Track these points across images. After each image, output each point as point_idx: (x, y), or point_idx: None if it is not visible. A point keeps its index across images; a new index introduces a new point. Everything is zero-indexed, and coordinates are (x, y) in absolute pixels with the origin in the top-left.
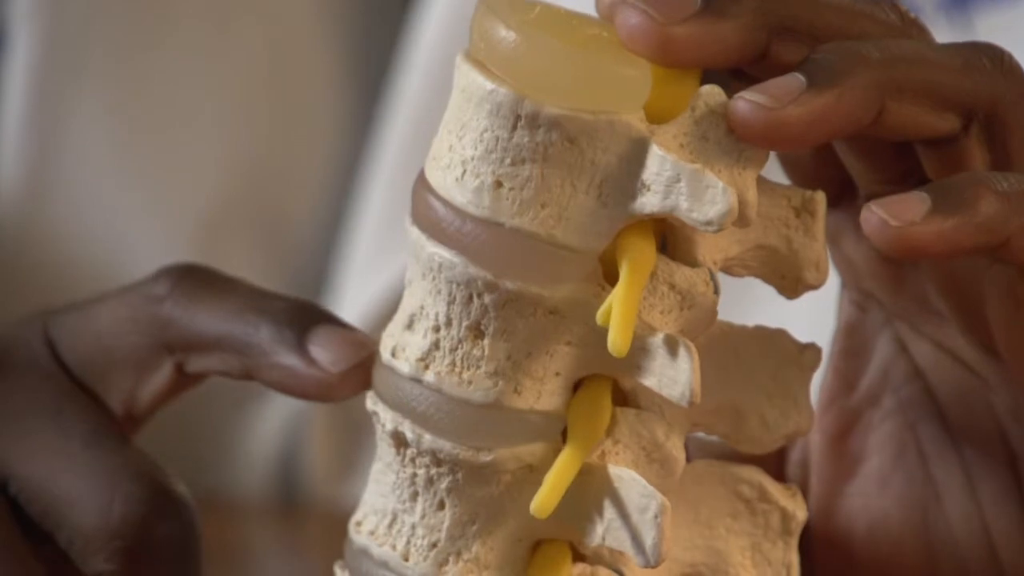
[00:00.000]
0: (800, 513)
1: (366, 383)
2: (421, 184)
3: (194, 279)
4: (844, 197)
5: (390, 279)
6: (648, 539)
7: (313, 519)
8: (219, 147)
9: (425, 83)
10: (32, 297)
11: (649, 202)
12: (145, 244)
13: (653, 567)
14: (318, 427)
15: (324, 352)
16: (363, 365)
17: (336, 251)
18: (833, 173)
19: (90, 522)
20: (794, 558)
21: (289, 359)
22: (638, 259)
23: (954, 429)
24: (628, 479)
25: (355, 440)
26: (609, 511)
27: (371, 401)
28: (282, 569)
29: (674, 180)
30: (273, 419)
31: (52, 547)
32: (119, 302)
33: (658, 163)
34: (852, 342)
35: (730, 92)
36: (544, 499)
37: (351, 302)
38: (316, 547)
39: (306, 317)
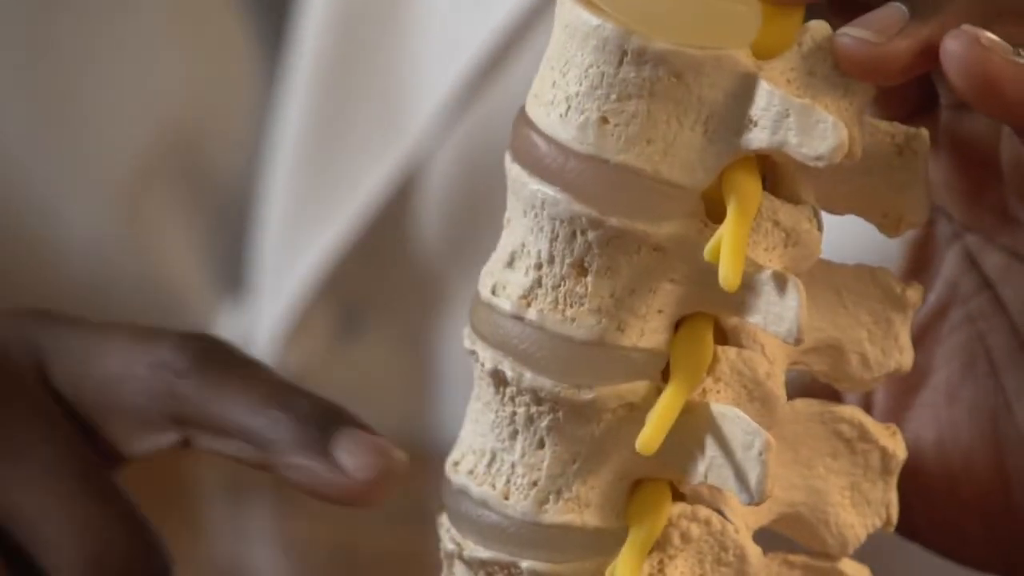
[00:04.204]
0: (900, 452)
1: (391, 492)
2: (522, 121)
3: (216, 359)
4: (920, 112)
5: (307, 270)
6: (753, 476)
7: None
8: (135, 106)
9: (323, 40)
10: None
11: (757, 138)
12: (69, 204)
13: (757, 504)
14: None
15: (349, 457)
16: (389, 473)
17: (257, 217)
18: (910, 89)
19: (72, 574)
20: (893, 497)
21: (312, 460)
22: (745, 194)
23: None
24: (732, 416)
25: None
26: (712, 449)
27: (469, 340)
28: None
29: (783, 115)
30: None
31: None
32: (133, 358)
33: (767, 98)
34: (920, 256)
35: (833, 25)
36: (649, 436)
37: (272, 278)
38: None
39: (330, 418)
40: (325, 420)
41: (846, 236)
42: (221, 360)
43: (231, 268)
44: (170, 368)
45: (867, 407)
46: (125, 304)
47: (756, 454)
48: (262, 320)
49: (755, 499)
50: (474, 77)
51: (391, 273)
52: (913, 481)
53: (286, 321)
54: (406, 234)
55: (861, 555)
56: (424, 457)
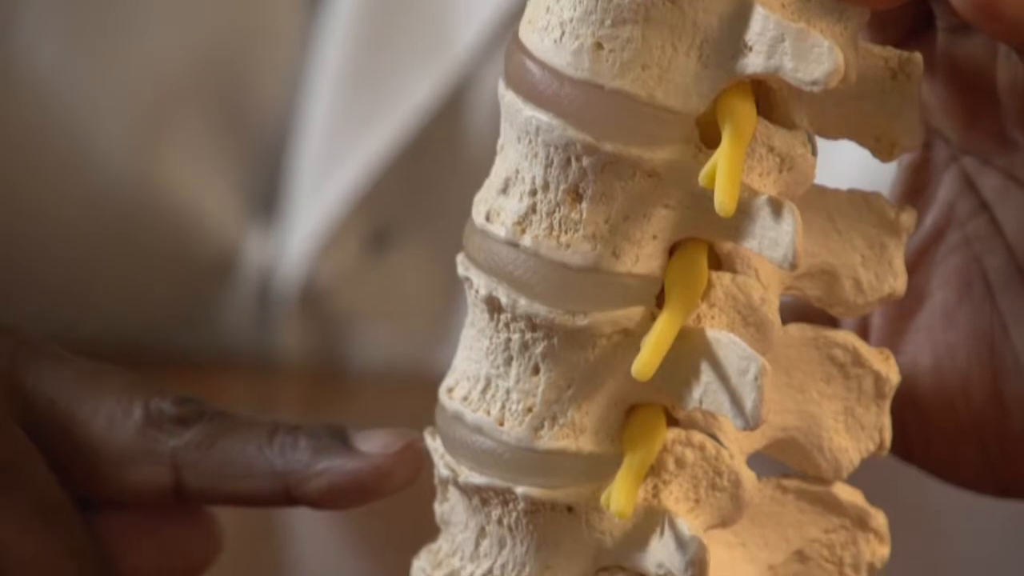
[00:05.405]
0: (893, 377)
1: (419, 468)
2: (516, 47)
3: (214, 410)
4: (914, 36)
5: (344, 185)
6: (748, 401)
7: (290, 380)
8: (172, 29)
9: None
10: None
11: (752, 62)
12: (99, 125)
13: (752, 429)
14: (290, 308)
15: (371, 443)
16: (413, 448)
17: (294, 135)
18: (905, 12)
19: None
20: (886, 422)
21: (337, 460)
22: (740, 120)
23: (1022, 260)
24: (727, 342)
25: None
26: (707, 374)
27: (463, 267)
28: None
29: (778, 40)
30: (246, 295)
31: None
32: (131, 403)
33: (761, 23)
34: (916, 180)
35: None
36: (645, 361)
37: (307, 196)
38: (293, 406)
39: (338, 428)
40: (334, 429)
41: (844, 162)
42: (219, 411)
43: (264, 192)
44: (169, 417)
45: (864, 331)
46: (151, 225)
47: (752, 379)
48: (293, 237)
49: (751, 424)
50: None
51: (428, 190)
52: (910, 404)
53: (318, 236)
54: (447, 152)
55: (855, 480)
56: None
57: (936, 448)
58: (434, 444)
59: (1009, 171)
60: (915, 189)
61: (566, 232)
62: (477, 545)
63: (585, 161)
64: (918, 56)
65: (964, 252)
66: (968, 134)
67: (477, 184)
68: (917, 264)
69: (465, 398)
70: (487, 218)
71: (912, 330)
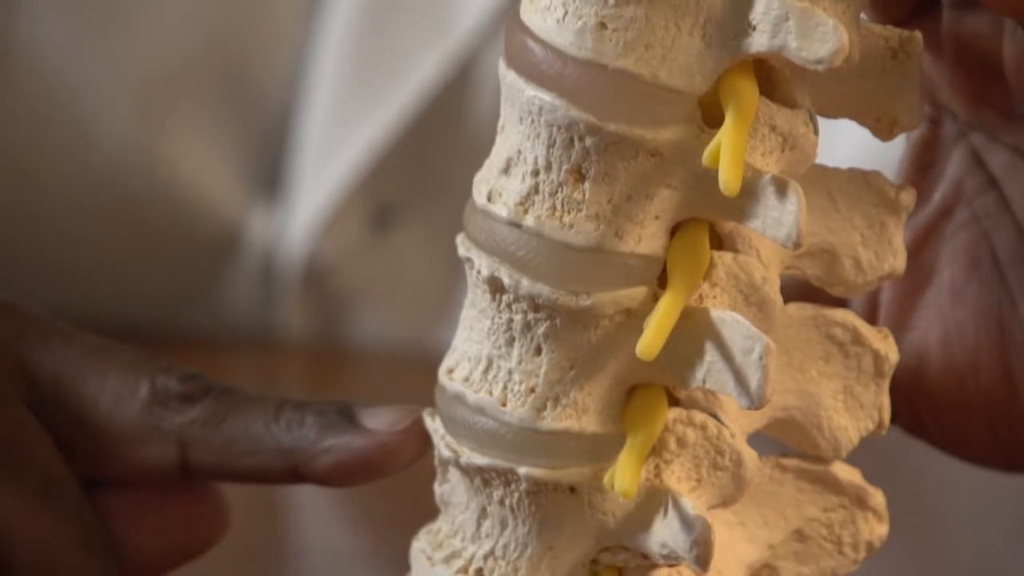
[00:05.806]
0: (892, 355)
1: (425, 445)
2: (517, 27)
3: (220, 386)
4: (916, 16)
5: (348, 164)
6: (753, 381)
7: (292, 358)
8: (176, 10)
9: None
10: None
11: (756, 42)
12: (101, 104)
13: (757, 408)
14: (293, 287)
15: (378, 420)
16: (420, 424)
17: (298, 114)
18: None
19: None
20: (886, 400)
21: (344, 437)
22: (744, 99)
23: None
24: (731, 321)
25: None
26: (711, 354)
27: (463, 247)
28: None
29: (782, 19)
30: (249, 273)
31: None
32: (137, 380)
33: (766, 2)
34: (925, 157)
35: None
36: (650, 341)
37: (310, 175)
38: (295, 385)
39: (344, 405)
40: (341, 406)
41: (846, 141)
42: (225, 388)
43: (268, 170)
44: (175, 394)
45: (873, 308)
46: (155, 204)
47: (756, 358)
48: (297, 216)
49: (755, 403)
50: None
51: (431, 169)
52: (919, 380)
53: (322, 215)
54: (451, 132)
55: (854, 459)
56: None
57: (945, 424)
58: (434, 425)
59: (1017, 147)
60: (923, 166)
61: (569, 212)
62: (478, 526)
63: (588, 141)
64: (918, 35)
65: (972, 229)
66: (975, 110)
67: (480, 164)
68: (925, 241)
69: (466, 379)
70: (488, 198)
71: (921, 307)
